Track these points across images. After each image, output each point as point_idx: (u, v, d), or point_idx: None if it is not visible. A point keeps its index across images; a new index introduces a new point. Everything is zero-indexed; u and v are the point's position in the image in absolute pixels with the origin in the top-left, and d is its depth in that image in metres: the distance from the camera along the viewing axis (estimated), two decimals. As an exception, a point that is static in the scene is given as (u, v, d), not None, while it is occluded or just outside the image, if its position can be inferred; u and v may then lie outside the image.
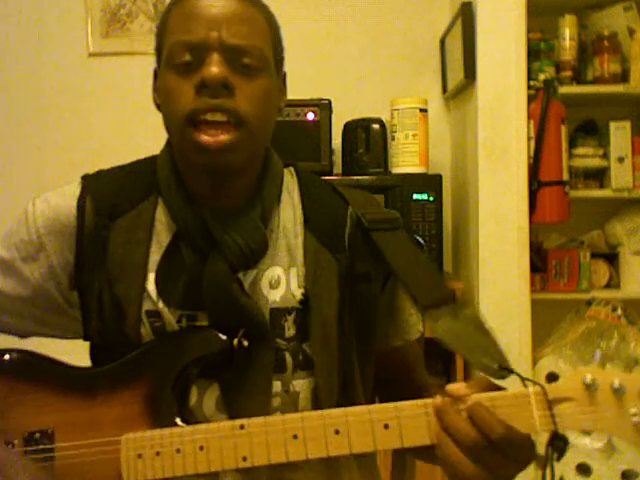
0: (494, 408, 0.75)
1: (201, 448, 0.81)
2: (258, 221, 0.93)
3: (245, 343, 0.88)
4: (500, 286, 2.09)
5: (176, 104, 0.87)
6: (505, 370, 0.82)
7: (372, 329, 0.98)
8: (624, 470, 2.01)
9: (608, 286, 2.36)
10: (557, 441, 0.74)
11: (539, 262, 2.32)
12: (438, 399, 0.77)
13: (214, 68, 0.84)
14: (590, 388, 0.73)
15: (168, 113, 0.90)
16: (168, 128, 0.93)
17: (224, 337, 0.89)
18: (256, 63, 0.87)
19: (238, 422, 0.81)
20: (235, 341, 0.88)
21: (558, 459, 0.75)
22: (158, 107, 0.94)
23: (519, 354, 2.02)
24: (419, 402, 0.78)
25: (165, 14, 0.92)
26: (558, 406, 0.74)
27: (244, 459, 0.80)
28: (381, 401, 1.07)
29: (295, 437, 0.79)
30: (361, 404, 0.95)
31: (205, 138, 0.85)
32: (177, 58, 0.87)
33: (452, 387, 0.77)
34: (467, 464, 0.74)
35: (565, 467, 1.98)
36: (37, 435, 0.88)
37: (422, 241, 1.71)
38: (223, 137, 0.85)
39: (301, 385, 0.94)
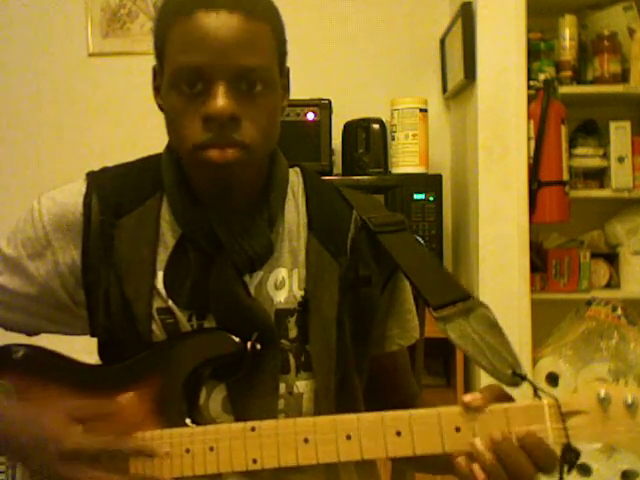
0: (507, 419, 0.75)
1: (211, 449, 0.81)
2: (265, 225, 0.93)
3: (258, 346, 0.89)
4: (500, 286, 2.09)
5: (183, 133, 0.86)
6: (518, 377, 0.81)
7: (370, 333, 0.98)
8: (624, 470, 2.01)
9: (608, 286, 2.36)
10: (569, 454, 0.74)
11: (539, 262, 2.32)
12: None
13: (220, 102, 0.83)
14: (603, 402, 0.74)
15: (175, 136, 0.89)
16: (173, 144, 0.92)
17: (237, 339, 0.89)
18: (262, 83, 0.86)
19: (249, 424, 0.81)
20: (249, 344, 0.88)
21: (569, 471, 0.75)
22: (160, 108, 0.93)
23: (519, 354, 2.02)
24: (432, 410, 0.78)
25: (164, 22, 0.88)
26: (571, 419, 0.74)
27: (254, 461, 0.80)
28: (366, 407, 1.06)
29: (306, 441, 0.79)
30: (360, 407, 0.96)
31: (213, 155, 0.85)
32: (182, 82, 0.85)
33: (467, 398, 0.77)
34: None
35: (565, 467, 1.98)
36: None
37: (422, 241, 1.72)
38: (230, 154, 0.85)
39: (304, 386, 0.94)
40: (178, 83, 0.85)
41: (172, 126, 0.89)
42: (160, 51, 0.90)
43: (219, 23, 0.83)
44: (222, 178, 0.89)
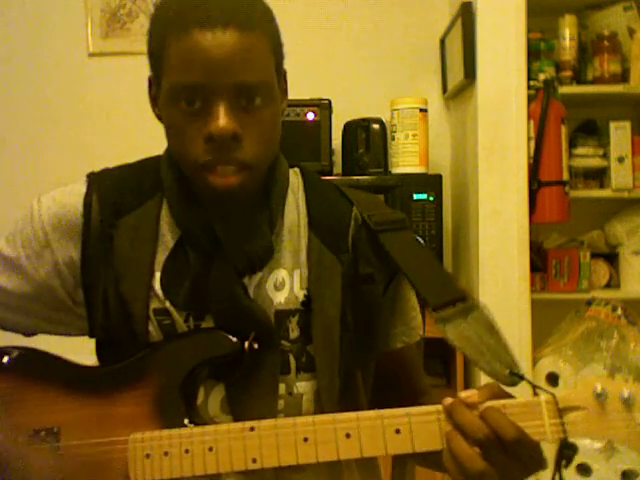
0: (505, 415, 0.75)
1: (210, 449, 0.81)
2: (265, 227, 0.93)
3: (255, 346, 0.89)
4: (500, 286, 2.09)
5: (186, 151, 0.86)
6: (516, 376, 0.82)
7: (374, 331, 0.98)
8: (624, 470, 2.00)
9: (608, 286, 2.36)
10: (566, 449, 0.75)
11: (539, 262, 2.32)
12: (448, 399, 0.77)
13: (222, 121, 0.82)
14: (600, 398, 0.74)
15: (177, 152, 0.89)
16: (175, 158, 0.92)
17: (234, 339, 0.89)
18: (262, 97, 0.86)
19: (248, 424, 0.81)
20: (246, 344, 0.88)
21: (566, 466, 0.76)
22: (159, 117, 0.92)
23: (519, 354, 2.01)
24: (431, 407, 0.78)
25: (159, 35, 0.86)
26: (568, 415, 0.75)
27: (254, 461, 0.80)
28: (376, 403, 1.06)
29: (306, 440, 0.79)
30: (363, 406, 0.96)
31: (216, 181, 0.85)
32: (180, 99, 0.84)
33: (464, 394, 0.77)
34: (477, 460, 0.73)
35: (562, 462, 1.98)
36: (43, 433, 0.88)
37: (422, 241, 1.72)
38: (233, 180, 0.85)
39: (304, 387, 0.94)
40: (177, 100, 0.85)
41: (173, 142, 0.89)
42: (156, 64, 0.88)
43: (215, 41, 0.82)
44: (225, 200, 0.89)
